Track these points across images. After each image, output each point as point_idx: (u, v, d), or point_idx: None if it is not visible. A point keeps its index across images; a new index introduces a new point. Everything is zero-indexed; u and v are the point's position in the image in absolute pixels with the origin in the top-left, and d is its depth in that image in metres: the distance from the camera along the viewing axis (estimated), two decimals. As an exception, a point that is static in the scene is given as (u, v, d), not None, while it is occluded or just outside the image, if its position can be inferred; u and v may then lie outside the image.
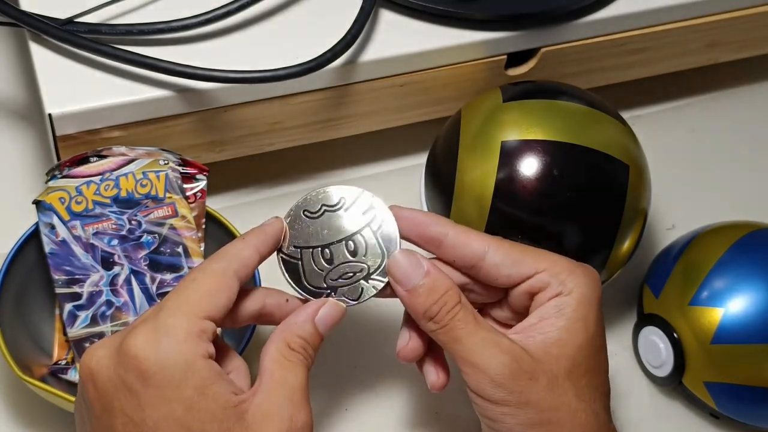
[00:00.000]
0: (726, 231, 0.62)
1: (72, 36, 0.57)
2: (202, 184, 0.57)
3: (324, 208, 0.50)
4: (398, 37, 0.63)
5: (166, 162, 0.56)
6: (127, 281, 0.54)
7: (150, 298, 0.54)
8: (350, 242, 0.50)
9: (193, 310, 0.44)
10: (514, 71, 0.67)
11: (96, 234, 0.54)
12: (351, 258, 0.49)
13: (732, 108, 0.78)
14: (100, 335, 0.53)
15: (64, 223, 0.54)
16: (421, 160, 0.64)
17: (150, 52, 0.58)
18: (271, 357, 0.46)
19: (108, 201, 0.55)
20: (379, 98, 0.64)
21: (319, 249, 0.50)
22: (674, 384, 0.60)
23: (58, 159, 0.59)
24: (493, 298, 0.51)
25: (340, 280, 0.49)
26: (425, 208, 0.62)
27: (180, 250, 0.55)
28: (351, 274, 0.49)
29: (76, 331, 0.54)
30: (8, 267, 0.54)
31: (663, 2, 0.68)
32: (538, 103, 0.59)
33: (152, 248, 0.55)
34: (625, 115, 0.63)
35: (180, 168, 0.57)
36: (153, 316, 0.44)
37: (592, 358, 0.48)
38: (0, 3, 0.57)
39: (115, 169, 0.55)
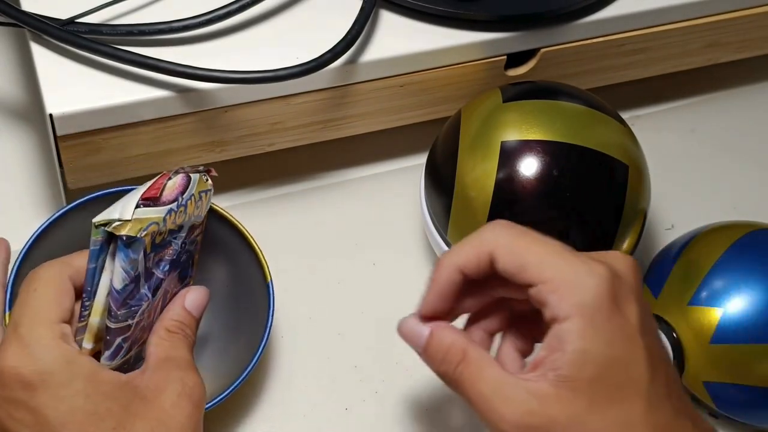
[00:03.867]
0: (725, 231, 0.62)
1: (73, 36, 0.57)
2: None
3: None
4: (398, 37, 0.63)
5: (207, 179, 0.54)
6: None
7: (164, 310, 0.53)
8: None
9: (49, 318, 0.47)
10: (514, 72, 0.67)
11: (158, 263, 0.50)
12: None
13: (732, 108, 0.78)
14: (128, 362, 0.51)
15: (146, 255, 0.48)
16: (421, 160, 0.64)
17: (151, 52, 0.58)
18: (153, 343, 0.50)
19: (176, 228, 0.51)
20: (379, 99, 0.64)
21: None
22: (673, 384, 0.60)
23: (59, 159, 0.59)
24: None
25: None
26: (425, 208, 0.62)
27: (191, 261, 0.55)
28: None
29: (117, 362, 0.50)
30: (19, 266, 0.53)
31: (663, 2, 0.68)
32: (537, 104, 0.59)
33: (181, 266, 0.53)
34: (625, 115, 0.63)
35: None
36: (13, 334, 0.46)
37: (618, 382, 0.43)
38: (1, 3, 0.57)
39: (183, 192, 0.51)
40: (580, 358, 0.43)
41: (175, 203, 0.49)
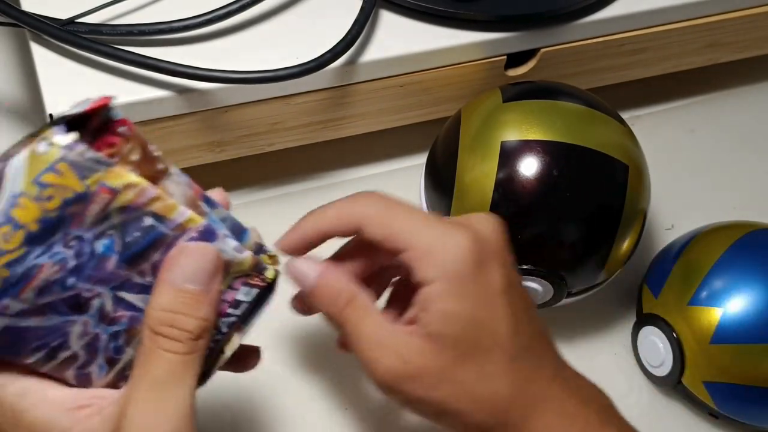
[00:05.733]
0: (725, 231, 0.62)
1: (73, 36, 0.57)
2: (113, 113, 0.40)
3: None
4: (398, 37, 0.63)
5: (48, 143, 0.37)
6: (116, 301, 0.41)
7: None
8: None
9: None
10: (514, 72, 0.67)
11: (40, 292, 0.39)
12: None
13: (732, 108, 0.78)
14: (130, 364, 0.42)
15: None
16: (421, 160, 0.64)
17: (151, 52, 0.58)
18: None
19: (21, 251, 0.37)
20: (379, 99, 0.64)
21: None
22: (673, 384, 0.60)
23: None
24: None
25: None
26: (425, 208, 0.62)
27: (149, 222, 0.40)
28: None
29: (104, 383, 0.43)
30: None
31: (663, 2, 0.68)
32: (537, 104, 0.59)
33: (117, 249, 0.40)
34: (625, 115, 0.63)
35: (76, 137, 0.38)
36: None
37: (480, 338, 0.45)
38: (1, 3, 0.57)
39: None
40: (443, 318, 0.45)
41: None
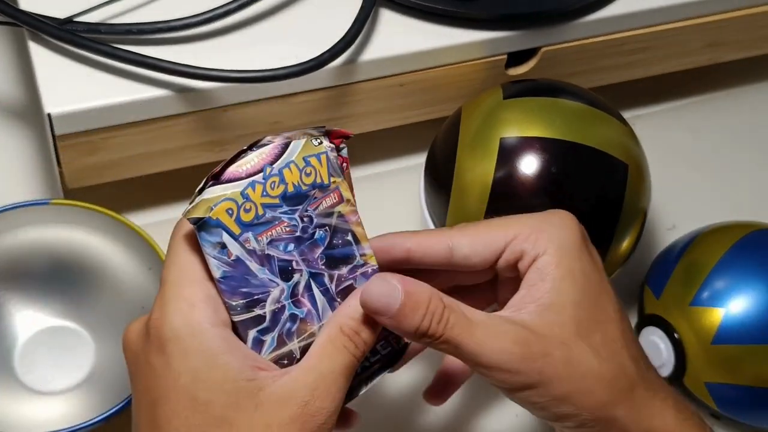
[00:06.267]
0: (727, 231, 0.62)
1: (71, 35, 0.57)
2: (343, 152, 0.50)
3: None
4: (398, 36, 0.63)
5: (319, 141, 0.48)
6: (308, 287, 0.47)
7: (331, 299, 0.47)
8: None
9: (195, 276, 0.44)
10: (515, 71, 0.67)
11: (271, 242, 0.46)
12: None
13: (732, 108, 0.78)
14: (289, 355, 0.46)
15: (236, 238, 0.45)
16: (421, 160, 0.64)
17: (149, 51, 0.58)
18: (317, 342, 0.45)
19: (277, 201, 0.47)
20: (379, 98, 0.64)
21: None
22: (675, 384, 0.60)
23: (58, 159, 0.59)
24: (487, 276, 0.49)
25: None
26: (424, 208, 0.62)
27: (349, 238, 0.48)
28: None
29: (268, 355, 0.46)
30: None
31: (663, 2, 0.68)
32: (538, 101, 0.59)
33: (326, 244, 0.47)
34: (625, 115, 0.63)
35: (331, 144, 0.49)
36: (161, 289, 0.44)
37: (596, 310, 0.45)
38: (-1, 2, 0.57)
39: (273, 162, 0.47)
40: (559, 284, 0.44)
41: (260, 174, 0.46)
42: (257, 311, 0.45)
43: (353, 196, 0.49)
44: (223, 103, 0.60)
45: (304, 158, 0.47)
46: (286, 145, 0.47)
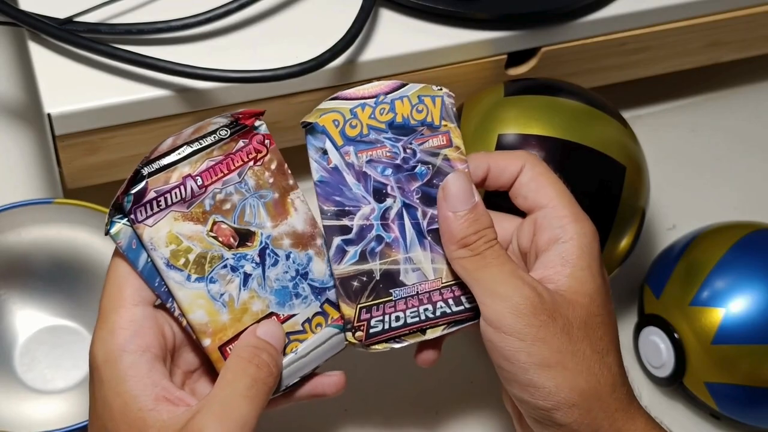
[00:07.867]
0: (727, 231, 0.62)
1: (71, 35, 0.57)
2: (262, 128, 0.51)
3: None
4: (398, 36, 0.63)
5: (439, 87, 0.52)
6: (399, 215, 0.50)
7: (421, 235, 0.50)
8: None
9: (121, 302, 0.45)
10: (515, 71, 0.67)
11: (369, 162, 0.50)
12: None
13: (732, 108, 0.78)
14: (369, 273, 0.49)
15: (337, 148, 0.50)
16: (421, 159, 0.64)
17: (149, 51, 0.58)
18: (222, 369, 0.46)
19: (383, 126, 0.50)
20: (379, 98, 0.64)
21: None
22: (675, 384, 0.60)
23: (58, 159, 0.59)
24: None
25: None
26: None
27: (435, 178, 0.51)
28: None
29: (344, 268, 0.49)
30: None
31: (663, 2, 0.68)
32: (538, 99, 0.59)
33: (425, 180, 0.50)
34: (625, 115, 0.63)
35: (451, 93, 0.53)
36: (97, 318, 0.46)
37: (604, 309, 0.47)
38: (-1, 2, 0.57)
39: (388, 93, 0.51)
40: (579, 273, 0.47)
41: (373, 99, 0.50)
42: (345, 221, 0.49)
43: (282, 172, 0.51)
44: (223, 103, 0.60)
45: (419, 96, 0.51)
46: (403, 85, 0.51)
